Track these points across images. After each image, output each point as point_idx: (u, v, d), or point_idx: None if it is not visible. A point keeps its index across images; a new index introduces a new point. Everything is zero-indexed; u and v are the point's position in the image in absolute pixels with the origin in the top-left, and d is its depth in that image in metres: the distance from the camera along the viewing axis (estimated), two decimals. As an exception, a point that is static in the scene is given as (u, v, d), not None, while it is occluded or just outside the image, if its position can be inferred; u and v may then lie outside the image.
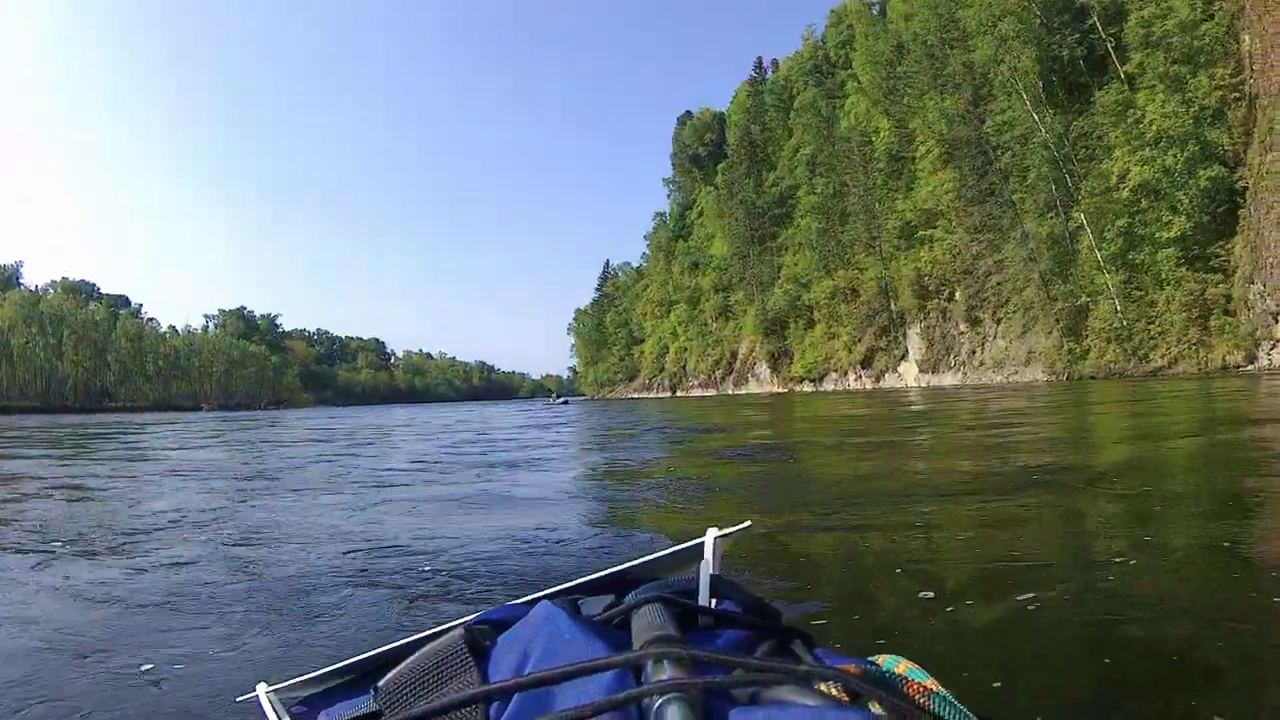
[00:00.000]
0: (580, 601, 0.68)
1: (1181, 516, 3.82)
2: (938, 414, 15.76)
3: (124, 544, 3.89)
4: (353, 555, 3.46)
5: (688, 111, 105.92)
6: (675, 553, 0.74)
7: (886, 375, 57.56)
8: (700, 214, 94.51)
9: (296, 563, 3.33)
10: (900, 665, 0.52)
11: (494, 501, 5.45)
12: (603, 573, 0.75)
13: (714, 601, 0.62)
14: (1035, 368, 42.45)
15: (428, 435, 16.05)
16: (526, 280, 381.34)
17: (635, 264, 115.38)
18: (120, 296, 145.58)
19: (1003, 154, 46.03)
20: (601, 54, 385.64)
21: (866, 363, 60.19)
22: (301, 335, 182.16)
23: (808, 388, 65.46)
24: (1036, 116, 42.61)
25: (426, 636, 0.66)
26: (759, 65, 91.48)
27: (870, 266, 60.59)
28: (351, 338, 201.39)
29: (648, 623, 0.52)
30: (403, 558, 3.35)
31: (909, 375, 55.04)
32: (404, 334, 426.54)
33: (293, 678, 0.76)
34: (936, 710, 0.45)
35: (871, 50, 63.95)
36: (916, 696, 0.46)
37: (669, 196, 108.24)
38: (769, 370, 73.29)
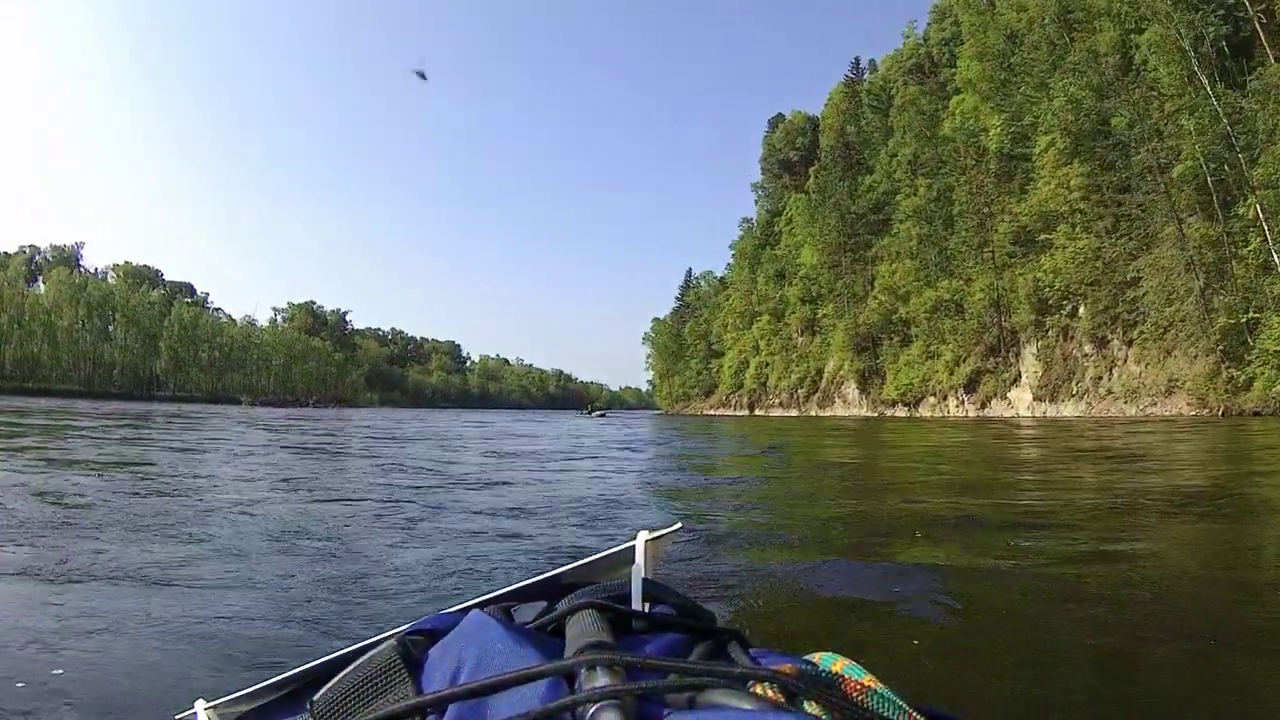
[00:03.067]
0: (513, 609, 0.68)
1: None
2: (1069, 462, 10.81)
3: None
4: None
5: (779, 114, 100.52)
6: (607, 556, 0.73)
7: (994, 402, 50.37)
8: (789, 221, 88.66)
9: None
10: (837, 663, 0.51)
11: None
12: (535, 579, 0.74)
13: (647, 605, 0.61)
14: (1179, 399, 34.97)
15: (446, 443, 14.65)
16: (608, 288, 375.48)
17: (719, 274, 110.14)
18: (184, 284, 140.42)
19: (1149, 140, 38.64)
20: (690, 54, 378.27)
21: (971, 386, 53.12)
22: (374, 334, 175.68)
23: (900, 412, 58.73)
24: (1205, 81, 35.45)
25: (360, 648, 0.65)
26: (856, 65, 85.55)
27: (979, 276, 53.64)
28: (427, 339, 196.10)
29: (581, 629, 0.52)
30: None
31: (1020, 403, 47.76)
32: (482, 338, 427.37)
33: (230, 693, 0.75)
34: (875, 707, 0.44)
35: (981, 42, 57.32)
36: (854, 694, 0.45)
37: (757, 203, 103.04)
38: (857, 391, 66.80)
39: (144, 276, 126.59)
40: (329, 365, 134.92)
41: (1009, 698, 2.28)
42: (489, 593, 0.74)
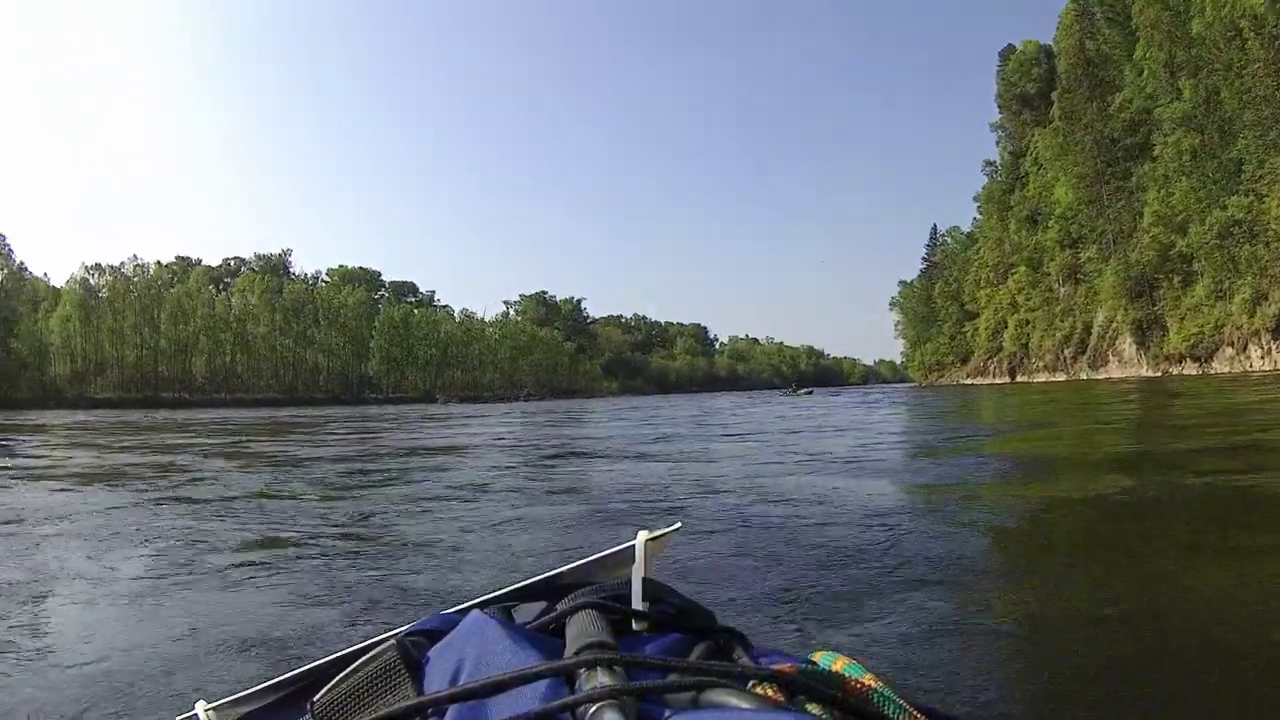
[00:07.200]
0: (513, 609, 0.69)
1: None
2: None
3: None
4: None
5: (1010, 45, 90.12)
6: (606, 556, 0.73)
7: (1309, 347, 41.31)
8: (1035, 161, 79.15)
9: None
10: (838, 662, 0.52)
11: None
12: (534, 579, 0.74)
13: (647, 605, 0.61)
14: None
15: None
16: (858, 256, 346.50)
17: (965, 229, 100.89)
18: (407, 283, 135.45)
19: None
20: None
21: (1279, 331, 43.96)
22: (616, 321, 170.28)
23: (1189, 369, 50.46)
24: None
25: (360, 649, 0.66)
26: (1085, -22, 74.32)
27: (1277, 185, 44.30)
28: (673, 323, 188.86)
29: (581, 629, 0.52)
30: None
31: (1346, 346, 38.63)
32: (734, 319, 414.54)
33: (231, 694, 0.76)
34: (876, 706, 0.44)
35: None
36: (855, 693, 0.45)
37: (998, 143, 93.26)
38: (1134, 346, 58.26)
39: (360, 279, 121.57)
40: (559, 355, 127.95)
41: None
42: (489, 593, 0.74)
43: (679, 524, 0.76)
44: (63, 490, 7.74)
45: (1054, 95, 74.03)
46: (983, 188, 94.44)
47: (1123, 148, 62.48)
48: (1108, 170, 64.02)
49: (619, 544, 0.71)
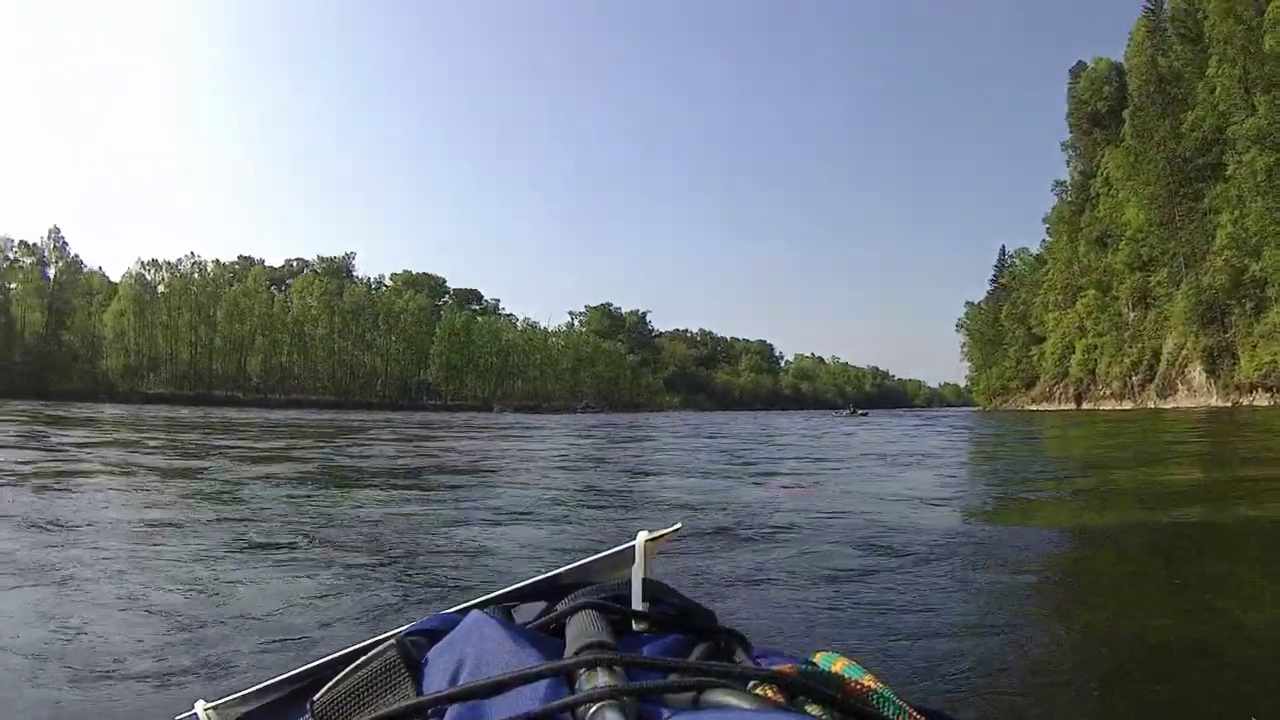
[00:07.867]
0: (513, 609, 0.68)
1: None
2: None
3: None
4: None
5: (1080, 62, 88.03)
6: (606, 557, 0.73)
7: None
8: (1106, 182, 76.70)
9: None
10: (838, 663, 0.51)
11: None
12: (535, 579, 0.74)
13: (647, 605, 0.60)
14: None
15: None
16: (923, 277, 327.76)
17: (1034, 251, 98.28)
18: (470, 290, 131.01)
19: None
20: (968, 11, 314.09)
21: (1355, 358, 41.74)
22: (682, 335, 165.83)
23: (1261, 400, 48.11)
24: None
25: (360, 649, 0.66)
26: (1154, -5, 72.29)
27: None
28: (738, 339, 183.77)
29: (581, 629, 0.52)
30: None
31: None
32: (801, 338, 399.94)
33: (230, 694, 0.76)
34: (876, 707, 0.44)
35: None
36: (855, 694, 0.45)
37: (1069, 163, 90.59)
38: (1204, 374, 55.81)
39: (423, 284, 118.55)
40: (622, 368, 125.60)
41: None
42: (489, 593, 0.74)
43: (679, 524, 0.76)
44: (57, 491, 7.62)
45: (1125, 114, 71.89)
46: (1052, 208, 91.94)
47: (1195, 168, 60.26)
48: (1180, 191, 61.77)
49: (619, 544, 0.71)
